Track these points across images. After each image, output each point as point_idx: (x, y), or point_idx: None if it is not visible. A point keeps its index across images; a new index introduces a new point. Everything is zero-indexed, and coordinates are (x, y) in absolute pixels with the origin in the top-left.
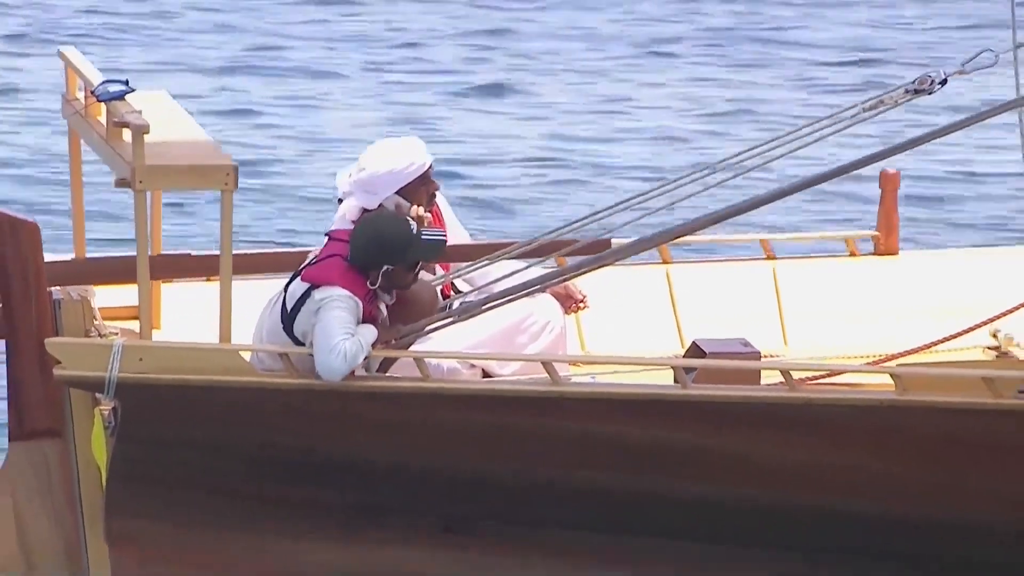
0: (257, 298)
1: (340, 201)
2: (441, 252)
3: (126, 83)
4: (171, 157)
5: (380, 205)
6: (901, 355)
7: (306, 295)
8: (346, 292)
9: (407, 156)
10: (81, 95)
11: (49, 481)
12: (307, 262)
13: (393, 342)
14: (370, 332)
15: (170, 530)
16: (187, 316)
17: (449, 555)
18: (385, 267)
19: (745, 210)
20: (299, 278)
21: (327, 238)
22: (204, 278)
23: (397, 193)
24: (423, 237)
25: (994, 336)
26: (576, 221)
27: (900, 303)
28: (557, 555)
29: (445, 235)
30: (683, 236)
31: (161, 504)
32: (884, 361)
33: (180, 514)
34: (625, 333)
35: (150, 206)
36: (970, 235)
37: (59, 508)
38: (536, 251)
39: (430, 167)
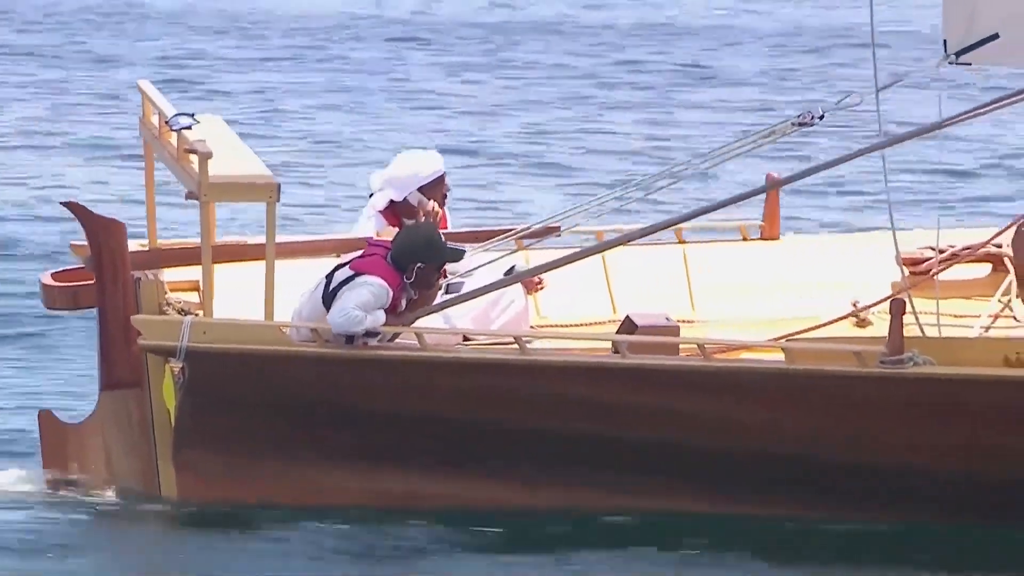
0: (292, 276)
1: (371, 196)
2: (461, 258)
3: (192, 116)
4: (228, 176)
5: (405, 199)
6: (794, 335)
7: (350, 279)
8: (382, 281)
9: (429, 162)
10: (155, 119)
11: (130, 421)
12: (351, 258)
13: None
14: (381, 316)
15: (223, 459)
16: (233, 287)
17: (444, 481)
18: (419, 264)
19: (689, 218)
20: (346, 267)
21: (368, 244)
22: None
23: (419, 190)
24: (450, 247)
25: (854, 306)
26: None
27: (781, 277)
28: (524, 482)
29: (465, 250)
30: (638, 238)
31: (216, 440)
32: (780, 339)
33: (230, 448)
34: (569, 303)
35: None
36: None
37: (137, 442)
38: (496, 234)
39: (444, 173)
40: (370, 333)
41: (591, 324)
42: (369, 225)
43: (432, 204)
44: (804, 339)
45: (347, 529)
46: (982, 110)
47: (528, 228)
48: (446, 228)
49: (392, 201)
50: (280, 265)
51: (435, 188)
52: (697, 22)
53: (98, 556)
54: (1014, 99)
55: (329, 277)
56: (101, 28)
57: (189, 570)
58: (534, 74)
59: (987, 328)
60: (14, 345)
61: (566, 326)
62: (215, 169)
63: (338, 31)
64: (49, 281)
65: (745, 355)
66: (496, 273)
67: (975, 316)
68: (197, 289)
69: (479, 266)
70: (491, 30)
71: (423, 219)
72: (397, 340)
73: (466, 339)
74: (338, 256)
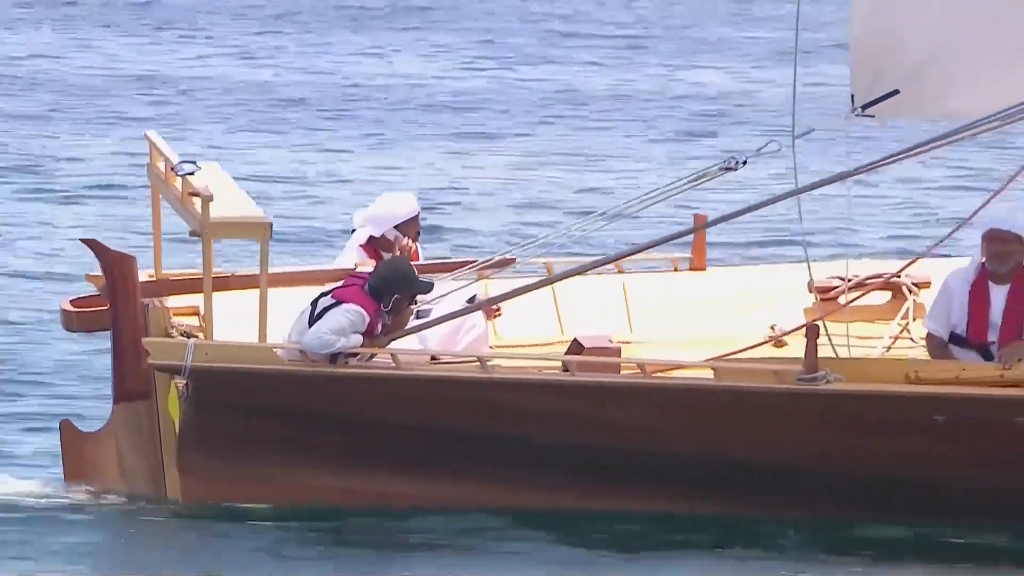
0: (283, 303)
1: (353, 231)
2: (431, 290)
3: (194, 163)
4: (226, 216)
5: (383, 235)
6: (722, 356)
7: (332, 306)
8: (360, 308)
9: (405, 204)
10: (161, 165)
11: (140, 429)
12: (334, 287)
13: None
14: (357, 339)
15: (222, 464)
16: (230, 312)
17: (416, 483)
18: (395, 295)
19: (628, 255)
20: (329, 295)
21: (348, 275)
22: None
23: (395, 228)
24: (421, 280)
25: (772, 329)
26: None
27: (708, 304)
28: (483, 482)
29: (434, 283)
30: (591, 269)
31: (216, 447)
32: (710, 359)
33: (229, 454)
34: (523, 326)
35: None
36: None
37: (147, 447)
38: (460, 266)
39: (418, 214)
40: (351, 353)
41: (543, 345)
42: (351, 256)
43: (407, 240)
44: (730, 359)
45: (333, 526)
46: (885, 161)
47: (487, 260)
48: (417, 260)
49: (371, 236)
50: (272, 293)
51: (410, 226)
52: (625, 86)
53: (111, 551)
54: (915, 151)
55: (314, 304)
56: (113, 90)
57: (192, 564)
58: (486, 132)
59: (888, 348)
60: (38, 363)
61: (521, 347)
62: (215, 210)
63: (319, 95)
64: (68, 307)
65: (679, 373)
66: (460, 300)
67: (878, 338)
68: (198, 314)
69: (445, 294)
70: (457, 93)
71: (398, 253)
72: (374, 359)
73: (434, 359)
74: (323, 285)
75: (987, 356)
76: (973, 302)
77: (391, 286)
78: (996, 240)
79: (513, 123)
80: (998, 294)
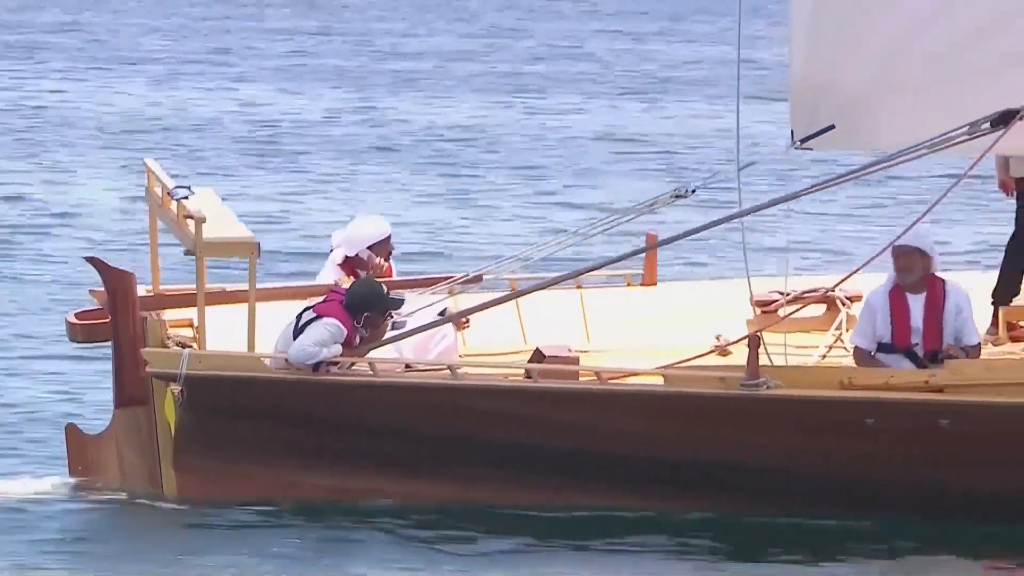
0: (270, 316)
1: (331, 251)
2: (401, 306)
3: (188, 188)
4: (218, 237)
5: (356, 255)
6: (672, 365)
7: (313, 320)
8: (338, 322)
9: (377, 226)
10: (158, 190)
11: (139, 432)
12: (316, 302)
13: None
14: (337, 348)
15: (214, 463)
16: (222, 324)
17: (394, 479)
18: (367, 313)
19: (586, 271)
20: (311, 310)
21: (330, 291)
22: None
23: (368, 248)
24: (391, 297)
25: (718, 339)
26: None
27: (658, 316)
28: (455, 480)
29: (404, 298)
30: (553, 284)
31: (209, 448)
32: (661, 367)
33: (220, 454)
34: (490, 335)
35: None
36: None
37: (145, 448)
38: (433, 282)
39: (389, 235)
40: (332, 362)
41: (508, 354)
42: (330, 274)
43: (379, 259)
44: (679, 367)
45: (318, 522)
46: (817, 188)
47: (457, 277)
48: (391, 276)
49: (347, 256)
50: (260, 307)
51: (382, 247)
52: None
53: (112, 544)
54: (844, 179)
55: (299, 317)
56: (110, 123)
57: (187, 556)
58: (453, 170)
59: (823, 357)
60: (45, 371)
61: (488, 355)
62: (208, 231)
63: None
64: (73, 320)
65: (632, 380)
66: (432, 313)
67: (814, 347)
68: (193, 326)
69: (419, 308)
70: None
71: (371, 271)
72: (354, 367)
73: (408, 367)
74: (307, 300)
75: (912, 357)
76: (894, 312)
77: (364, 304)
78: (900, 255)
79: (496, 156)
80: (915, 302)
